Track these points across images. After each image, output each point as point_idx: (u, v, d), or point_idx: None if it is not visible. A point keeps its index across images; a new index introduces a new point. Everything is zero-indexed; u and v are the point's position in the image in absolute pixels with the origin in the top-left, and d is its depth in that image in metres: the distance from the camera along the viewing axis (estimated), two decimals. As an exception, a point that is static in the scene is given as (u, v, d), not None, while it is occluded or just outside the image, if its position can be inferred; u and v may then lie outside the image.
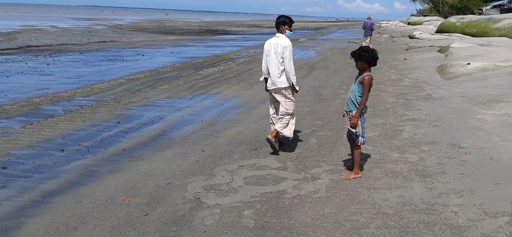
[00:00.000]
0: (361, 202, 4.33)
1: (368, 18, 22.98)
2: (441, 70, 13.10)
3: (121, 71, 15.07)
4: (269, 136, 5.92)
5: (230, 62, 18.20)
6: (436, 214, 3.99)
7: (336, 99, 9.79)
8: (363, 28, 22.69)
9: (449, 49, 17.53)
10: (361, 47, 4.87)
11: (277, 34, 5.96)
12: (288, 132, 6.01)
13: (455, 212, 3.99)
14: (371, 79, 4.78)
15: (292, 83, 5.88)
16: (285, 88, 5.90)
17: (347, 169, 5.23)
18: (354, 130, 4.91)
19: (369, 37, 22.52)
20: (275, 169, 5.40)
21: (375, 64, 4.85)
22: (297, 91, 6.05)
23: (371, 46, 21.64)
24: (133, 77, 13.68)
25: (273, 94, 6.01)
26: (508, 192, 4.33)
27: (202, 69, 15.74)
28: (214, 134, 7.17)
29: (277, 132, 5.95)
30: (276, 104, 6.11)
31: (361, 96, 4.80)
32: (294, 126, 6.15)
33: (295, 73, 5.95)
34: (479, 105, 8.12)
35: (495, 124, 6.79)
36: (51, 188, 4.95)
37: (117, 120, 8.11)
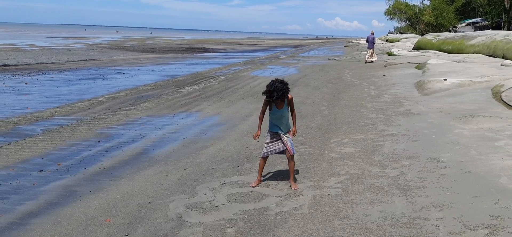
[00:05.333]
0: (343, 218, 4.36)
1: (371, 33, 26.92)
2: (419, 86, 13.38)
3: (102, 89, 14.91)
4: None
5: (211, 80, 18.21)
6: (417, 228, 4.03)
7: (317, 115, 9.87)
8: (367, 42, 26.80)
9: (426, 65, 17.93)
10: (273, 90, 5.02)
11: None
12: None
13: (436, 226, 4.05)
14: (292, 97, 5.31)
15: None
16: None
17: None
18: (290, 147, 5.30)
19: (371, 50, 25.90)
20: (257, 186, 5.40)
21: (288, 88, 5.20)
22: None
23: (375, 57, 23.53)
24: (113, 95, 13.55)
25: None
26: (486, 205, 4.42)
27: (183, 87, 15.71)
28: (196, 152, 7.14)
29: None
30: None
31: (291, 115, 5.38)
32: None
33: None
34: (457, 120, 8.30)
35: (472, 138, 6.95)
36: (29, 209, 4.83)
37: (98, 139, 8.01)
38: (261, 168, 5.45)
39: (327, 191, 5.13)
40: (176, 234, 4.13)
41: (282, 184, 5.41)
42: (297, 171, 5.85)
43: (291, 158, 5.31)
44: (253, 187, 5.33)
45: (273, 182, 5.50)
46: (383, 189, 5.09)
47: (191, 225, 4.31)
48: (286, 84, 5.15)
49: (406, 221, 4.20)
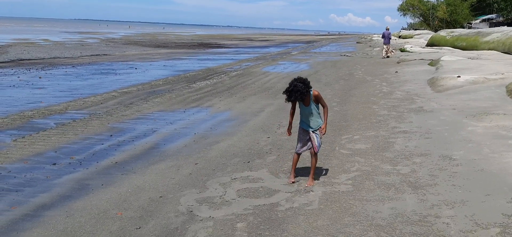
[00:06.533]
0: (354, 214, 4.35)
1: (386, 29, 27.55)
2: (432, 83, 13.24)
3: (114, 84, 15.03)
4: None
5: (222, 75, 18.24)
6: (428, 226, 4.01)
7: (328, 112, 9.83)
8: (383, 37, 27.32)
9: (440, 62, 17.73)
10: (292, 90, 4.95)
11: None
12: None
13: (447, 224, 4.02)
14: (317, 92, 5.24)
15: None
16: None
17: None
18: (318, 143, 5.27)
19: (387, 45, 26.62)
20: (268, 181, 5.41)
21: (310, 86, 5.11)
22: None
23: (390, 51, 23.53)
24: (125, 90, 13.65)
25: None
26: (499, 203, 4.37)
27: (195, 82, 15.77)
28: (207, 147, 7.17)
29: None
30: None
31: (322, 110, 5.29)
32: None
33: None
34: (470, 117, 8.21)
35: (486, 136, 6.87)
36: (43, 202, 4.91)
37: (110, 133, 8.09)
38: (295, 163, 5.44)
39: (338, 187, 5.12)
40: (186, 228, 4.16)
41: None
42: (306, 168, 5.84)
43: (314, 155, 5.29)
44: (292, 182, 5.30)
45: (284, 178, 5.51)
46: (394, 186, 5.06)
47: (201, 220, 4.34)
48: (307, 83, 5.04)
49: (417, 218, 4.18)
